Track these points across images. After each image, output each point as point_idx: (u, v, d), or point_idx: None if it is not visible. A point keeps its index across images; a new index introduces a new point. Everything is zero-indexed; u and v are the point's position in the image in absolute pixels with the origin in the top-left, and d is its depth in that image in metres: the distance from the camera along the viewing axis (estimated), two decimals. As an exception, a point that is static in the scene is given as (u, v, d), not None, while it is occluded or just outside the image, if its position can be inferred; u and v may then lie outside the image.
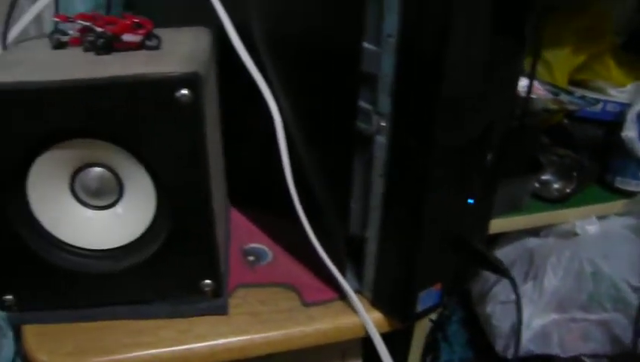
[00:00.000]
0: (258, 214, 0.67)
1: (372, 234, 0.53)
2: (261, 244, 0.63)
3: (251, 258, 0.61)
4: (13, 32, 0.55)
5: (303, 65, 0.52)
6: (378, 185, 0.50)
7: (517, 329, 0.60)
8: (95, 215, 0.51)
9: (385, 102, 0.46)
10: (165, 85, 0.43)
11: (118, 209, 0.51)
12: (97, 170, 0.49)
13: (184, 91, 0.43)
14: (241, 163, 0.66)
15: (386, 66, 0.45)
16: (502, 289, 0.90)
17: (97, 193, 0.50)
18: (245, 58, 0.54)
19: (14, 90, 0.43)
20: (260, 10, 0.55)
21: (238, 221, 0.68)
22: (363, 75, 0.46)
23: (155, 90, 0.43)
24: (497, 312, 0.91)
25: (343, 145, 0.50)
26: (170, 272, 0.51)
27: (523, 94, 0.72)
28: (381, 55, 0.45)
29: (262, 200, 0.65)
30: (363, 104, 0.48)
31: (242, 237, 0.64)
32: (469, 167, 0.50)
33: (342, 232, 0.54)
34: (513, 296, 0.55)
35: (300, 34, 0.51)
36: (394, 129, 0.47)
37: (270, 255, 0.61)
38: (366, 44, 0.45)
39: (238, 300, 0.55)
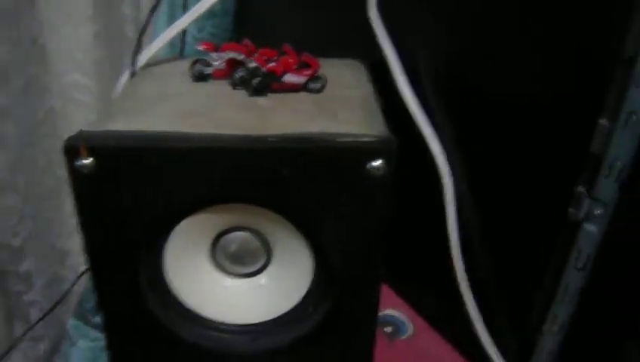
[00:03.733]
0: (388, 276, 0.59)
1: (552, 329, 0.44)
2: (398, 312, 0.54)
3: (388, 329, 0.52)
4: (144, 56, 0.47)
5: (499, 132, 0.44)
6: (575, 280, 0.42)
7: None
8: (234, 283, 0.43)
9: (607, 187, 0.38)
10: (358, 154, 0.35)
11: (262, 279, 0.43)
12: (243, 234, 0.41)
13: (377, 163, 0.35)
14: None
15: (619, 148, 0.36)
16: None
17: (239, 259, 0.42)
18: (415, 110, 0.46)
19: (169, 148, 0.35)
20: (438, 61, 0.47)
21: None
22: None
23: (344, 159, 0.35)
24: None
25: (543, 230, 0.42)
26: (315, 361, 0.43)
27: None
28: (615, 134, 0.36)
29: (399, 264, 0.57)
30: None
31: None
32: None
33: (516, 324, 0.45)
34: None
35: (507, 99, 0.43)
36: (614, 219, 0.38)
37: (410, 328, 0.53)
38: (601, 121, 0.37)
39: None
